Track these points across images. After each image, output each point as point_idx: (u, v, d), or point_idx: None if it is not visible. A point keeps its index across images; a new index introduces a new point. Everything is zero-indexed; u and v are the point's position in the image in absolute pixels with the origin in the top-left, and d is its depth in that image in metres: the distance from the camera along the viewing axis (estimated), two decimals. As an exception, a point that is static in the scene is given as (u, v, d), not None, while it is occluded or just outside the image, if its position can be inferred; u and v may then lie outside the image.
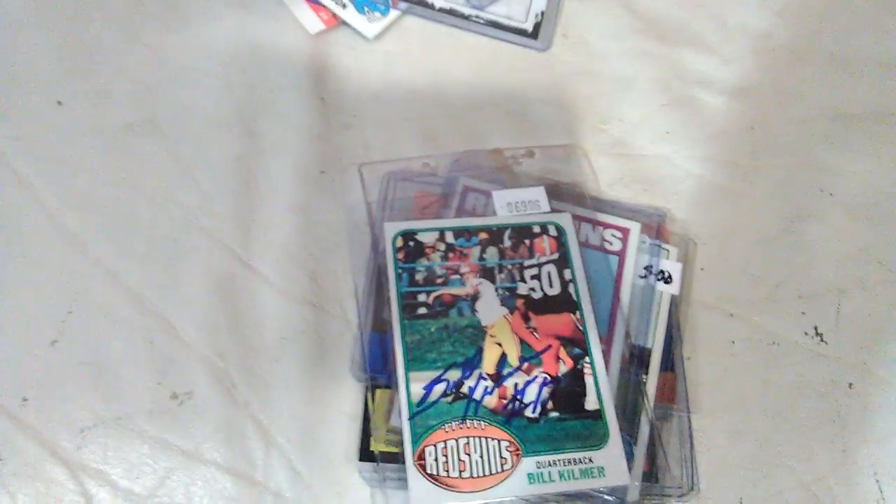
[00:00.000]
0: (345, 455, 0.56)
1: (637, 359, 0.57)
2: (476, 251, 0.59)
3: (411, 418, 0.53)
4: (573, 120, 0.67)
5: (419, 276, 0.57)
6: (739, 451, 0.57)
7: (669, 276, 0.60)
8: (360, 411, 0.56)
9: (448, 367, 0.54)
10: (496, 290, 0.57)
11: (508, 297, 0.57)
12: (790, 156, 0.66)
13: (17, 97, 0.64)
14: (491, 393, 0.54)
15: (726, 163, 0.66)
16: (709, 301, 0.61)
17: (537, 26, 0.69)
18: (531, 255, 0.59)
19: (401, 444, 0.52)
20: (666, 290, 0.60)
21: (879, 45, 0.70)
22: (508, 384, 0.54)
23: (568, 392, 0.54)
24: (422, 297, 0.57)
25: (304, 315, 0.59)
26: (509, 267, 0.58)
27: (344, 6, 0.68)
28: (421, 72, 0.68)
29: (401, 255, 0.58)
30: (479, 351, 0.55)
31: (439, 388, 0.54)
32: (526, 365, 0.55)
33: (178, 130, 0.64)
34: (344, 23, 0.68)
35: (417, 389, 0.53)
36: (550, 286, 0.58)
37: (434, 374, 0.54)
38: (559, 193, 0.62)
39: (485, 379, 0.54)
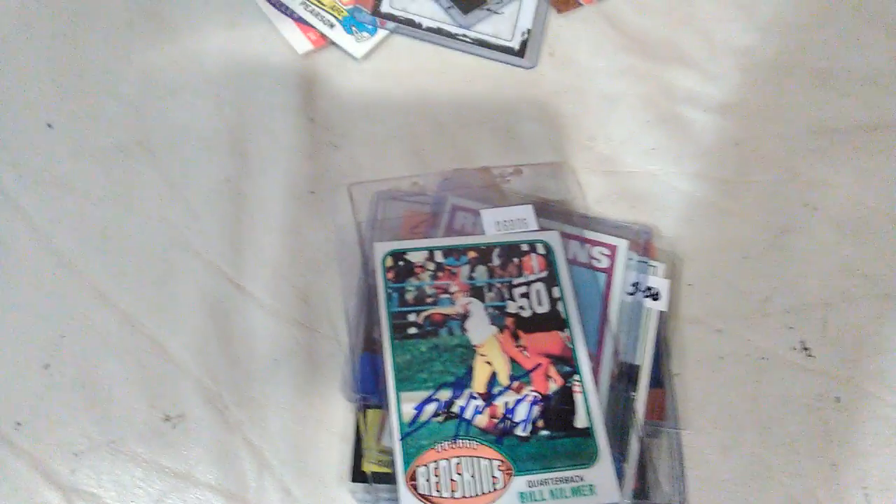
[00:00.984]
0: (337, 476, 0.56)
1: (626, 376, 0.58)
2: (465, 270, 0.59)
3: (403, 439, 0.53)
4: (560, 137, 0.67)
5: (409, 296, 0.58)
6: (729, 466, 0.58)
7: (657, 293, 0.61)
8: (351, 432, 0.56)
9: (439, 387, 0.55)
10: (485, 308, 0.58)
11: (498, 316, 0.57)
12: (776, 171, 0.67)
13: (6, 119, 0.64)
14: (482, 412, 0.54)
15: (712, 179, 0.66)
16: (696, 317, 0.62)
17: (524, 44, 0.70)
18: (520, 274, 0.59)
19: (392, 464, 0.53)
20: (654, 307, 0.60)
21: (864, 59, 0.71)
22: (499, 403, 0.54)
23: (558, 410, 0.55)
24: (412, 317, 0.57)
25: (295, 336, 0.59)
26: (498, 285, 0.59)
27: (332, 26, 0.68)
28: (409, 91, 0.68)
29: (391, 275, 0.58)
30: (470, 370, 0.55)
31: (430, 408, 0.54)
32: (516, 384, 0.55)
33: (169, 151, 0.64)
34: (332, 43, 0.68)
35: (408, 409, 0.54)
36: (539, 304, 0.58)
37: (425, 394, 0.54)
38: (547, 211, 0.62)
39: (475, 398, 0.54)
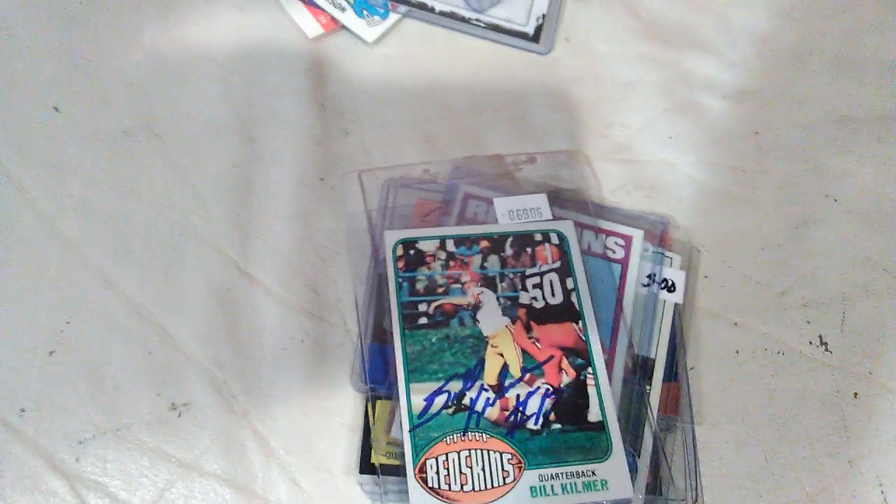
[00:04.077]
0: (345, 467, 0.55)
1: (640, 369, 0.57)
2: (477, 260, 0.58)
3: (412, 430, 0.52)
4: (575, 125, 0.66)
5: (420, 286, 0.57)
6: (744, 462, 0.57)
7: (673, 285, 0.60)
8: (360, 423, 0.56)
9: (449, 378, 0.54)
10: (498, 299, 0.57)
11: (510, 307, 0.56)
12: (795, 161, 0.65)
13: (13, 102, 0.63)
14: (493, 404, 0.53)
15: (730, 168, 0.65)
16: (713, 310, 0.61)
17: (538, 29, 0.68)
18: (533, 264, 0.58)
19: (402, 456, 0.52)
20: (669, 299, 0.59)
21: (885, 47, 0.69)
22: (510, 395, 0.54)
23: (570, 403, 0.54)
24: (422, 307, 0.56)
25: (304, 325, 0.58)
26: (511, 276, 0.58)
27: (343, 10, 0.67)
28: (421, 76, 0.67)
29: (401, 264, 0.57)
30: (481, 362, 0.54)
31: (440, 400, 0.53)
32: (528, 376, 0.54)
33: (176, 136, 0.63)
34: (343, 27, 0.67)
35: (418, 401, 0.53)
36: (552, 295, 0.57)
37: (435, 386, 0.53)
38: (561, 200, 0.61)
39: (486, 390, 0.54)
